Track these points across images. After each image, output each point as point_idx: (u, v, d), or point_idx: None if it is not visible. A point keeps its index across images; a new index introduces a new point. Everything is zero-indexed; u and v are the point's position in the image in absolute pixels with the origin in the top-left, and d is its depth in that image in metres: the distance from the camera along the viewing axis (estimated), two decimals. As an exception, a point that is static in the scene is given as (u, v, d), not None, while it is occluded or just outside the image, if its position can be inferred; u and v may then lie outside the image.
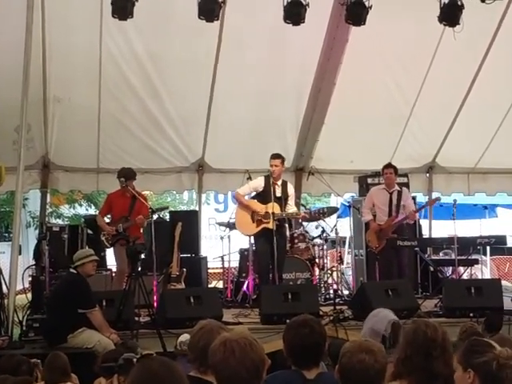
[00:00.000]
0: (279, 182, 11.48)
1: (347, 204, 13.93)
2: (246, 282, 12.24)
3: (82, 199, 21.73)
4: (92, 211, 20.98)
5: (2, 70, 11.35)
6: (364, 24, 10.94)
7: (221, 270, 13.87)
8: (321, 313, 10.17)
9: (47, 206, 15.40)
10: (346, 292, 12.88)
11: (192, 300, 10.02)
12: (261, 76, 12.83)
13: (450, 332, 4.37)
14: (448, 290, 10.95)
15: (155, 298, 10.88)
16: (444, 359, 4.03)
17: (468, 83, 13.39)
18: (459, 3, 10.79)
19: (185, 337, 6.48)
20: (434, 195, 14.82)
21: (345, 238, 15.39)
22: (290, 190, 11.70)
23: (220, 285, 13.84)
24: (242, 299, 12.11)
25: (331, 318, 10.01)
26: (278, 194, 11.37)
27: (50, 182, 13.54)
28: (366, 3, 10.70)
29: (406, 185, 13.10)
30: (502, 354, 3.67)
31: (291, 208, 11.55)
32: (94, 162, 13.42)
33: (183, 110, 13.12)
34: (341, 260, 13.13)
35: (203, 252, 14.08)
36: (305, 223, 13.73)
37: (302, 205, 14.12)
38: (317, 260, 13.17)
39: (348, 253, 15.56)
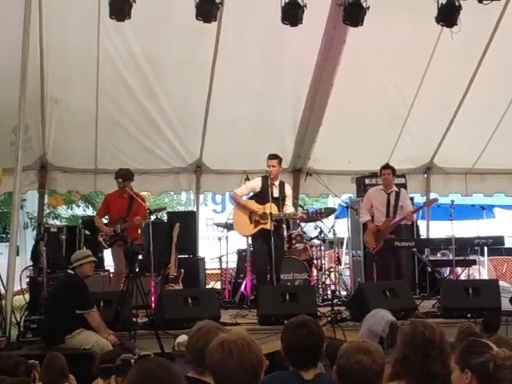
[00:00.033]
0: (276, 183, 11.48)
1: (345, 205, 13.95)
2: (244, 283, 12.23)
3: (80, 200, 21.71)
4: (90, 212, 20.98)
5: (0, 70, 11.35)
6: (361, 25, 10.94)
7: (218, 271, 13.87)
8: (319, 314, 10.17)
9: (45, 207, 15.41)
10: (343, 293, 12.89)
11: (190, 301, 10.02)
12: (258, 77, 12.85)
13: (448, 332, 4.38)
14: (446, 291, 10.96)
15: (153, 298, 10.88)
16: (442, 360, 4.04)
17: (465, 84, 13.40)
18: (457, 4, 10.80)
19: (183, 338, 6.48)
20: (432, 196, 14.81)
21: (342, 238, 15.41)
22: (288, 190, 11.70)
23: (218, 286, 13.85)
24: (239, 300, 12.10)
25: (329, 318, 10.00)
26: (276, 194, 11.37)
27: (47, 182, 13.53)
28: (364, 4, 10.69)
29: (404, 185, 13.10)
30: (499, 355, 3.67)
31: (289, 208, 11.55)
32: (92, 162, 13.42)
33: (181, 111, 13.12)
34: (338, 261, 13.15)
35: (201, 253, 14.07)
36: (303, 224, 13.73)
37: (300, 205, 14.15)
38: (315, 261, 13.17)
39: (346, 253, 15.58)
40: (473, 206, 16.92)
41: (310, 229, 14.31)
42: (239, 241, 12.96)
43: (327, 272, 13.23)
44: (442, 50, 12.50)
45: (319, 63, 12.74)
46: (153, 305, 10.51)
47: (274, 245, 11.01)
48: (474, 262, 14.07)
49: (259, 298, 10.62)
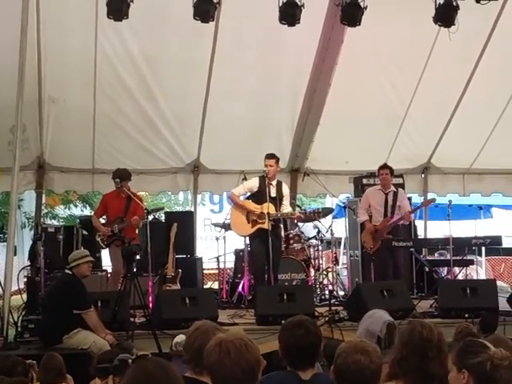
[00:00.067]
0: (274, 182, 11.48)
1: (342, 205, 13.95)
2: (242, 283, 12.23)
3: (78, 200, 21.67)
4: (87, 212, 20.95)
5: (-2, 71, 11.36)
6: (359, 25, 10.94)
7: (216, 271, 13.86)
8: (316, 313, 10.16)
9: (42, 207, 15.38)
10: (341, 293, 12.90)
11: (187, 301, 10.01)
12: (256, 77, 12.84)
13: (446, 332, 4.38)
14: (443, 291, 10.96)
15: (150, 298, 10.88)
16: (440, 360, 4.04)
17: (463, 84, 13.41)
18: (454, 4, 10.80)
19: (180, 337, 6.48)
20: (430, 196, 14.83)
21: (340, 238, 15.39)
22: (285, 190, 11.70)
23: (215, 285, 13.84)
24: (237, 300, 12.11)
25: (326, 318, 10.00)
26: (273, 194, 11.37)
27: (45, 182, 13.51)
28: (362, 4, 10.70)
29: (402, 185, 13.11)
30: (496, 355, 3.67)
31: (286, 208, 11.55)
32: (90, 162, 13.41)
33: (178, 111, 13.12)
34: (336, 261, 13.14)
35: (198, 253, 14.09)
36: (302, 224, 13.73)
37: (298, 205, 14.15)
38: (312, 261, 13.17)
39: (343, 253, 15.57)
40: (470, 205, 16.88)
41: (309, 229, 14.30)
42: (237, 241, 12.96)
43: (325, 272, 13.23)
44: (439, 50, 12.51)
45: (317, 63, 12.74)
46: (150, 305, 10.52)
47: (272, 245, 11.01)
48: (471, 262, 14.07)
49: (257, 298, 10.61)
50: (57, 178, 13.55)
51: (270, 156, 11.42)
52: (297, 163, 14.56)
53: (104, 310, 9.60)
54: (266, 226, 11.11)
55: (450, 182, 15.32)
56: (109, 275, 11.97)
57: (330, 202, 18.96)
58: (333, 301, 11.16)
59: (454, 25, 10.93)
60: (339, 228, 14.35)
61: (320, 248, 13.51)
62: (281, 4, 10.58)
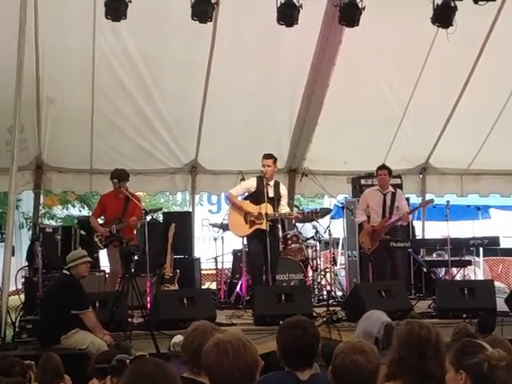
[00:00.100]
0: (272, 183, 11.48)
1: (340, 205, 13.94)
2: (240, 283, 12.23)
3: (75, 200, 21.66)
4: (85, 212, 20.94)
5: (-5, 71, 11.35)
6: (357, 25, 10.94)
7: (214, 271, 13.87)
8: (314, 314, 10.17)
9: (40, 207, 15.37)
10: (339, 293, 12.88)
11: (185, 301, 10.03)
12: (254, 77, 12.84)
13: (443, 333, 4.38)
14: (441, 291, 10.97)
15: (148, 299, 10.89)
16: (438, 360, 4.04)
17: (461, 84, 13.41)
18: (452, 4, 10.80)
19: (178, 338, 6.47)
20: (428, 196, 14.83)
21: (338, 239, 15.40)
22: (283, 190, 11.70)
23: (213, 286, 13.85)
24: (235, 300, 12.11)
25: (324, 319, 10.01)
26: (271, 194, 11.36)
27: (43, 182, 13.51)
28: (360, 4, 10.69)
29: (400, 186, 13.12)
30: (494, 355, 3.67)
31: (284, 208, 11.55)
32: (88, 162, 13.40)
33: (176, 112, 13.11)
34: (334, 261, 13.14)
35: (196, 253, 14.07)
36: (301, 225, 13.74)
37: (296, 206, 14.15)
38: (310, 261, 13.18)
39: (341, 254, 15.56)
40: (468, 206, 16.89)
41: (308, 229, 14.30)
42: (235, 241, 12.96)
43: (323, 272, 13.24)
44: (437, 51, 12.51)
45: (315, 63, 12.74)
46: (148, 305, 10.52)
47: (270, 245, 11.01)
48: (469, 263, 14.09)
49: (255, 299, 10.62)
50: (55, 179, 13.53)
51: (268, 156, 11.42)
52: (295, 163, 14.56)
53: (102, 311, 9.61)
54: (264, 226, 11.11)
55: (448, 182, 15.32)
56: (107, 275, 11.96)
57: (328, 202, 18.94)
58: (331, 301, 11.17)
59: (451, 25, 10.93)
60: (337, 228, 14.37)
61: (318, 248, 13.52)
62: (279, 5, 10.57)
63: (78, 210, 22.04)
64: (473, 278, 14.88)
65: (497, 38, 12.44)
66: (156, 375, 3.16)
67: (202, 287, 13.79)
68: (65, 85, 12.35)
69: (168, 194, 19.16)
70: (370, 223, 12.03)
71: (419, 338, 4.10)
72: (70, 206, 22.10)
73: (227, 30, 11.79)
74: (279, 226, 11.98)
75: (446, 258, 12.76)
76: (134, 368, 3.28)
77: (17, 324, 9.64)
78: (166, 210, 18.01)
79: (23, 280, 11.65)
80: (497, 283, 13.16)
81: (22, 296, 11.03)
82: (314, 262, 13.30)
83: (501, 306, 10.62)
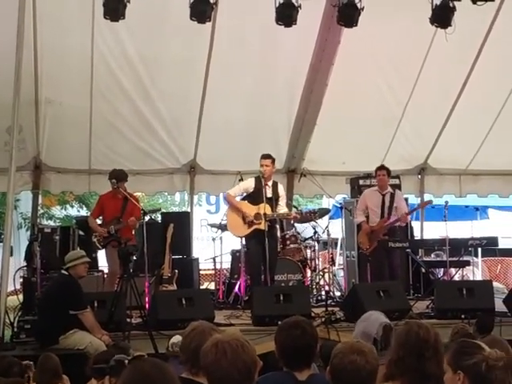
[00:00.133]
0: (270, 183, 11.48)
1: (339, 205, 13.94)
2: (238, 284, 12.23)
3: (74, 200, 21.68)
4: (84, 212, 20.94)
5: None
6: (356, 25, 10.93)
7: (212, 272, 13.87)
8: (312, 314, 10.17)
9: (39, 208, 15.37)
10: (337, 293, 12.89)
11: (184, 301, 10.02)
12: (253, 77, 12.84)
13: (442, 333, 4.38)
14: (440, 292, 10.97)
15: (147, 299, 10.88)
16: (436, 360, 4.04)
17: (460, 85, 13.41)
18: (451, 5, 10.80)
19: (177, 338, 6.47)
20: (426, 197, 14.83)
21: (336, 239, 15.41)
22: (281, 190, 11.70)
23: (212, 286, 13.84)
24: (233, 301, 12.10)
25: (323, 319, 10.01)
26: (269, 194, 11.35)
27: (41, 183, 13.50)
28: (358, 5, 10.68)
29: (398, 186, 13.13)
30: (492, 356, 3.67)
31: (282, 209, 11.55)
32: (86, 163, 13.39)
33: (175, 112, 13.11)
34: (332, 261, 13.16)
35: (195, 253, 14.06)
36: (300, 225, 13.73)
37: (294, 206, 14.14)
38: (309, 261, 13.17)
39: (340, 254, 15.57)
40: (467, 206, 16.94)
41: (308, 230, 14.29)
42: (233, 241, 12.95)
43: (321, 273, 13.23)
44: (436, 51, 12.52)
45: (313, 64, 12.74)
46: (147, 305, 10.51)
47: (268, 245, 11.01)
48: (467, 263, 14.09)
49: (253, 299, 10.61)
50: (53, 179, 13.53)
51: (266, 156, 11.42)
52: (293, 164, 14.56)
53: (100, 311, 9.61)
54: (263, 226, 11.10)
55: (446, 182, 15.33)
56: (105, 276, 11.95)
57: (326, 202, 18.95)
58: (329, 301, 11.14)
59: (450, 26, 10.93)
60: (336, 229, 14.37)
61: (316, 249, 13.52)
62: (277, 5, 10.57)
63: (76, 211, 22.04)
64: (471, 279, 14.87)
65: (495, 39, 12.45)
66: (154, 375, 3.16)
67: (201, 287, 13.80)
68: (63, 85, 12.34)
69: (166, 194, 19.14)
70: (368, 224, 12.04)
71: (418, 339, 4.11)
72: (68, 206, 22.12)
73: (226, 30, 11.79)
74: (277, 227, 11.99)
75: (445, 258, 12.73)
76: (132, 368, 3.28)
77: (15, 324, 9.64)
78: (164, 211, 18.03)
79: (21, 280, 11.63)
80: (495, 284, 13.14)
81: (21, 296, 11.04)
82: (313, 262, 13.29)
83: (499, 306, 10.62)
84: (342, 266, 14.69)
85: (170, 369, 3.27)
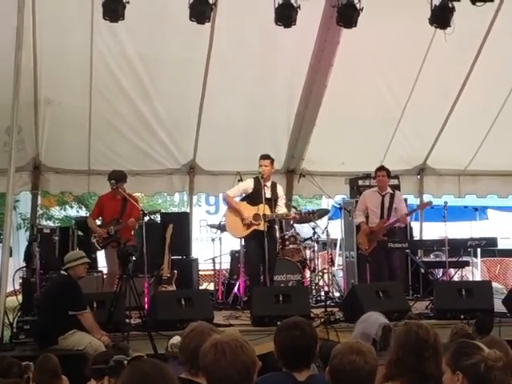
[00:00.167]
0: (268, 184, 11.48)
1: (338, 206, 13.94)
2: (237, 284, 12.22)
3: (73, 201, 21.66)
4: (83, 213, 20.91)
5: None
6: (355, 26, 10.94)
7: (212, 272, 13.86)
8: (312, 315, 10.16)
9: (38, 208, 15.36)
10: (337, 294, 12.89)
11: (183, 302, 10.01)
12: (252, 78, 12.83)
13: (441, 334, 4.39)
14: (439, 292, 10.97)
15: (146, 299, 10.87)
16: (436, 360, 4.05)
17: (459, 85, 13.41)
18: (450, 5, 10.80)
19: (176, 339, 6.47)
20: (425, 197, 14.83)
21: (336, 239, 15.40)
22: (280, 191, 11.70)
23: (211, 287, 13.83)
24: (232, 301, 12.10)
25: (322, 320, 10.00)
26: (268, 195, 11.35)
27: (40, 183, 13.49)
28: (358, 5, 10.68)
29: (397, 187, 13.14)
30: (490, 356, 3.67)
31: (281, 209, 11.55)
32: (85, 163, 13.39)
33: (174, 112, 13.10)
34: (332, 262, 13.14)
35: (194, 254, 14.07)
36: (300, 225, 13.73)
37: (294, 207, 14.13)
38: (308, 262, 13.17)
39: (339, 255, 15.57)
40: (466, 207, 16.91)
41: (307, 230, 14.29)
42: (232, 242, 12.94)
43: (320, 273, 13.22)
44: (435, 52, 12.52)
45: (313, 64, 12.74)
46: (146, 306, 10.50)
47: (267, 246, 11.00)
48: (467, 264, 14.08)
49: (252, 299, 10.60)
50: (52, 179, 13.52)
51: (265, 157, 11.42)
52: (293, 164, 14.56)
53: (99, 311, 9.59)
54: (262, 227, 11.10)
55: (445, 183, 15.33)
56: (104, 276, 11.95)
57: (325, 203, 18.96)
58: (328, 302, 11.18)
59: (449, 26, 10.93)
60: (335, 229, 14.37)
61: (316, 249, 13.51)
62: (277, 5, 10.57)
63: (75, 211, 22.02)
64: (470, 279, 14.86)
65: (494, 39, 12.45)
66: (154, 376, 3.16)
67: (200, 288, 13.80)
68: (63, 86, 12.33)
69: (166, 194, 19.15)
70: (368, 224, 12.04)
71: (417, 339, 4.11)
72: (67, 206, 22.11)
73: (225, 30, 11.79)
74: (276, 227, 11.99)
75: (444, 258, 12.75)
76: (131, 369, 3.28)
77: (14, 325, 9.65)
78: (163, 211, 18.03)
79: (21, 281, 11.64)
80: (494, 284, 13.13)
81: (20, 297, 11.03)
82: (312, 262, 13.29)
83: (498, 306, 10.62)
84: (341, 267, 14.68)
85: (169, 369, 3.27)
